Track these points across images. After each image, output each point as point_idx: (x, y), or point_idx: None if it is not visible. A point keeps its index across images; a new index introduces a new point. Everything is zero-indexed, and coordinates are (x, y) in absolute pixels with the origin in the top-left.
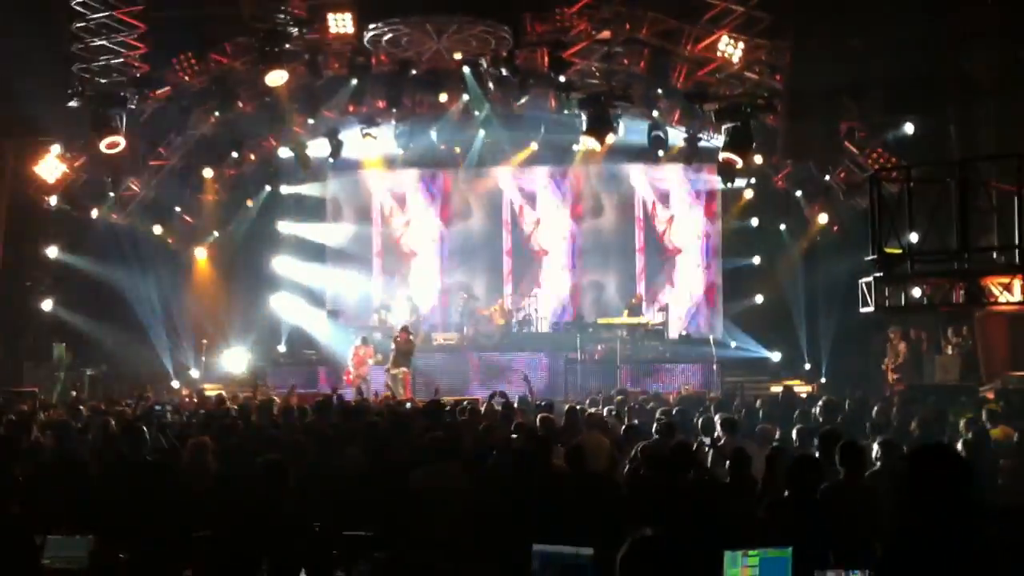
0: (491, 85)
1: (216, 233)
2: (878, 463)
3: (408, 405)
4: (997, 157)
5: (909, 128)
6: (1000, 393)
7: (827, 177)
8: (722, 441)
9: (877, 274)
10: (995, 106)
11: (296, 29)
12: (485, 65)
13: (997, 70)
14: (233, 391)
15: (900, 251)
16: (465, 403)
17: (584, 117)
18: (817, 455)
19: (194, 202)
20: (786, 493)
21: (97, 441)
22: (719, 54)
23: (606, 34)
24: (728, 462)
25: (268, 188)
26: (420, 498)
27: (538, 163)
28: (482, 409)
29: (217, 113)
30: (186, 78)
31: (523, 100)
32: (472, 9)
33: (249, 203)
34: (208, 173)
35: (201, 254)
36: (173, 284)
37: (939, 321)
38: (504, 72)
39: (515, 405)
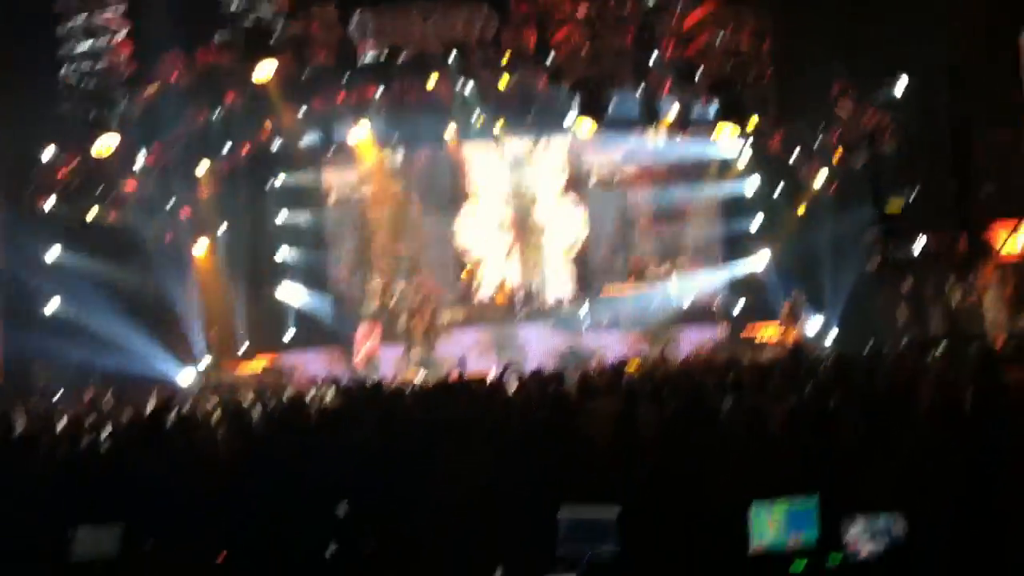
0: (478, 67)
1: (222, 226)
2: None
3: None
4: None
5: (901, 85)
6: (1011, 337)
7: (821, 137)
8: (732, 400)
9: (879, 230)
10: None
11: (281, 22)
12: (471, 47)
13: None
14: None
15: (901, 204)
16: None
17: (576, 100)
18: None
19: (190, 198)
20: (808, 446)
21: (117, 434)
22: (705, 28)
23: (589, 12)
24: (745, 421)
25: (263, 180)
26: (441, 476)
27: (531, 137)
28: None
29: (207, 109)
30: (174, 76)
31: (511, 80)
32: None
33: (245, 196)
34: (202, 169)
35: (200, 249)
36: (174, 280)
37: (941, 274)
38: (491, 54)
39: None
